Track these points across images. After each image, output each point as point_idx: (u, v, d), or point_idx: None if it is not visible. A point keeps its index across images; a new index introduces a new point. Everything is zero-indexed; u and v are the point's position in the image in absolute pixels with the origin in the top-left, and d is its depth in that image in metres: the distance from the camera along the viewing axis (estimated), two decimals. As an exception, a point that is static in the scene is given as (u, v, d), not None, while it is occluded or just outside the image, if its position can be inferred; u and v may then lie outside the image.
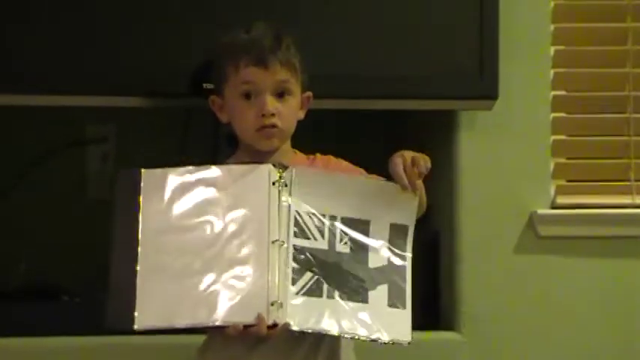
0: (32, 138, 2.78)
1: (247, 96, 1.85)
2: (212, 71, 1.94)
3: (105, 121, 2.84)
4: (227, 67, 1.86)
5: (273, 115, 1.84)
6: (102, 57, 2.22)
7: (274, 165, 1.79)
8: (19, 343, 2.37)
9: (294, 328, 1.71)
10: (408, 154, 1.80)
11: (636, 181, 2.57)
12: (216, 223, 1.76)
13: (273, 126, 1.85)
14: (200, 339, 1.88)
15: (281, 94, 1.86)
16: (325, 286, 1.74)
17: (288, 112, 1.87)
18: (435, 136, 2.64)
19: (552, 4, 2.55)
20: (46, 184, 2.79)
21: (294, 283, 1.73)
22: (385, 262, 1.78)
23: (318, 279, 1.74)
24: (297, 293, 1.72)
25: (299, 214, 1.77)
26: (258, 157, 1.87)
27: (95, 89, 2.23)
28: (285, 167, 1.79)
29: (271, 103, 1.84)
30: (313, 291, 1.73)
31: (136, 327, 1.70)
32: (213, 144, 2.48)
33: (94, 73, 2.22)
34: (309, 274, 1.74)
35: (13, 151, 2.77)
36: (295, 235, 1.76)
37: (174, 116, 2.69)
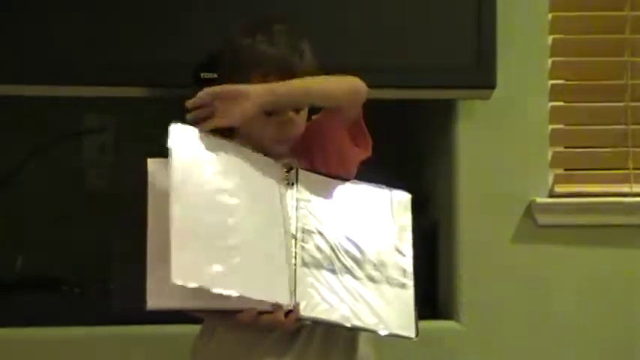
0: (30, 129, 2.77)
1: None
2: (227, 69, 1.91)
3: (103, 112, 2.84)
4: (252, 78, 1.82)
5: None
6: (99, 47, 2.22)
7: (284, 166, 1.82)
8: (18, 334, 2.37)
9: (304, 314, 1.73)
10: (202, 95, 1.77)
11: (634, 169, 2.57)
12: (235, 209, 1.74)
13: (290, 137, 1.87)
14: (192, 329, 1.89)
15: (299, 108, 1.86)
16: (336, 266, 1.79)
17: (302, 121, 1.88)
18: (434, 126, 2.64)
19: (550, -8, 2.56)
20: (44, 175, 2.79)
21: (304, 265, 1.77)
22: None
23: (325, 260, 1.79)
24: (307, 270, 1.76)
25: (308, 211, 1.81)
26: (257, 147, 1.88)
27: (93, 80, 2.23)
28: (290, 167, 1.83)
29: (293, 121, 1.84)
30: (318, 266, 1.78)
31: (148, 307, 1.66)
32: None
33: (92, 63, 2.21)
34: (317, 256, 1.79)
35: (12, 141, 2.77)
36: (304, 230, 1.80)
37: (172, 106, 2.70)
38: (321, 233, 1.80)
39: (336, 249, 1.80)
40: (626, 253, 2.55)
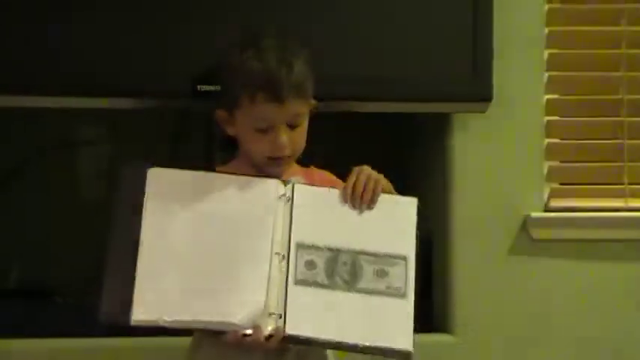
0: (24, 139, 2.77)
1: (261, 129, 1.84)
2: (221, 86, 1.92)
3: (98, 122, 2.84)
4: (241, 96, 1.84)
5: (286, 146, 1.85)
6: (94, 58, 2.21)
7: (282, 181, 1.81)
8: (11, 345, 2.36)
9: (290, 332, 1.72)
10: (364, 176, 1.83)
11: (629, 184, 2.57)
12: (220, 230, 1.77)
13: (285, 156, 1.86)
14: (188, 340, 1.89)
15: (293, 124, 1.86)
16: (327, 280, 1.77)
17: (299, 138, 1.87)
18: (429, 139, 2.64)
19: (546, 7, 2.55)
20: (38, 184, 2.79)
21: (297, 282, 1.75)
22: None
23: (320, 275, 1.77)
24: (299, 288, 1.75)
25: (304, 225, 1.79)
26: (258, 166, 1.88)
27: (87, 91, 2.22)
28: (286, 182, 1.82)
29: (285, 138, 1.83)
30: (314, 284, 1.76)
31: (132, 322, 1.70)
32: (206, 146, 2.48)
33: (86, 74, 2.21)
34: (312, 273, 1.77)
35: (5, 151, 2.77)
36: (299, 245, 1.78)
37: (168, 118, 2.70)
38: (317, 247, 1.77)
39: (333, 262, 1.77)
40: (622, 268, 2.55)
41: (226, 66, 1.89)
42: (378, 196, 1.82)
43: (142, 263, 1.73)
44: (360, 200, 1.81)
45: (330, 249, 1.79)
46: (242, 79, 1.84)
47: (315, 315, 1.74)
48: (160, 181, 1.78)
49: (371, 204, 1.82)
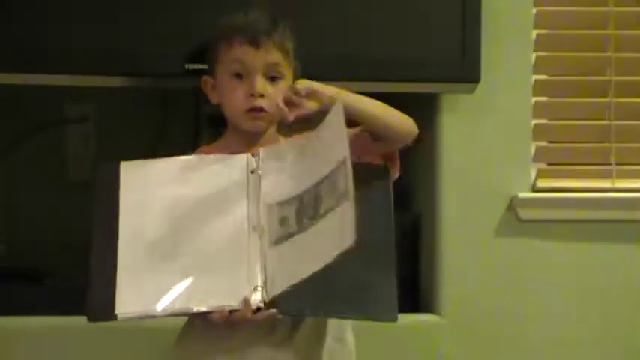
0: (11, 118, 2.76)
1: (238, 75, 1.85)
2: (206, 52, 1.94)
3: (85, 101, 2.83)
4: (220, 46, 1.86)
5: (262, 96, 1.84)
6: (82, 36, 2.20)
7: (252, 154, 1.80)
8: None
9: (278, 310, 1.71)
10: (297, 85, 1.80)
11: (616, 165, 2.58)
12: (197, 212, 1.77)
13: (261, 109, 1.85)
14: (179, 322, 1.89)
15: (272, 78, 1.86)
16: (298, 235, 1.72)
17: (278, 95, 1.85)
18: (417, 119, 2.64)
19: (534, -14, 2.56)
20: (25, 165, 2.78)
21: (277, 242, 1.73)
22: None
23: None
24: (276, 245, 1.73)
25: (271, 186, 1.77)
26: (246, 138, 1.88)
27: (75, 68, 2.21)
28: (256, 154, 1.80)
29: (261, 84, 1.84)
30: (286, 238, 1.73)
31: (118, 317, 1.71)
32: (194, 125, 2.48)
33: (74, 51, 2.20)
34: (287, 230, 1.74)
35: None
36: (269, 207, 1.75)
37: (155, 97, 2.69)
38: (286, 202, 1.73)
39: (300, 207, 1.71)
40: (608, 248, 2.56)
41: (214, 30, 1.91)
42: (313, 87, 1.78)
43: (121, 258, 1.74)
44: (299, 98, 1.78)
45: (296, 197, 1.73)
46: (223, 31, 1.86)
47: (291, 272, 1.68)
48: (132, 174, 1.79)
49: (309, 97, 1.78)
